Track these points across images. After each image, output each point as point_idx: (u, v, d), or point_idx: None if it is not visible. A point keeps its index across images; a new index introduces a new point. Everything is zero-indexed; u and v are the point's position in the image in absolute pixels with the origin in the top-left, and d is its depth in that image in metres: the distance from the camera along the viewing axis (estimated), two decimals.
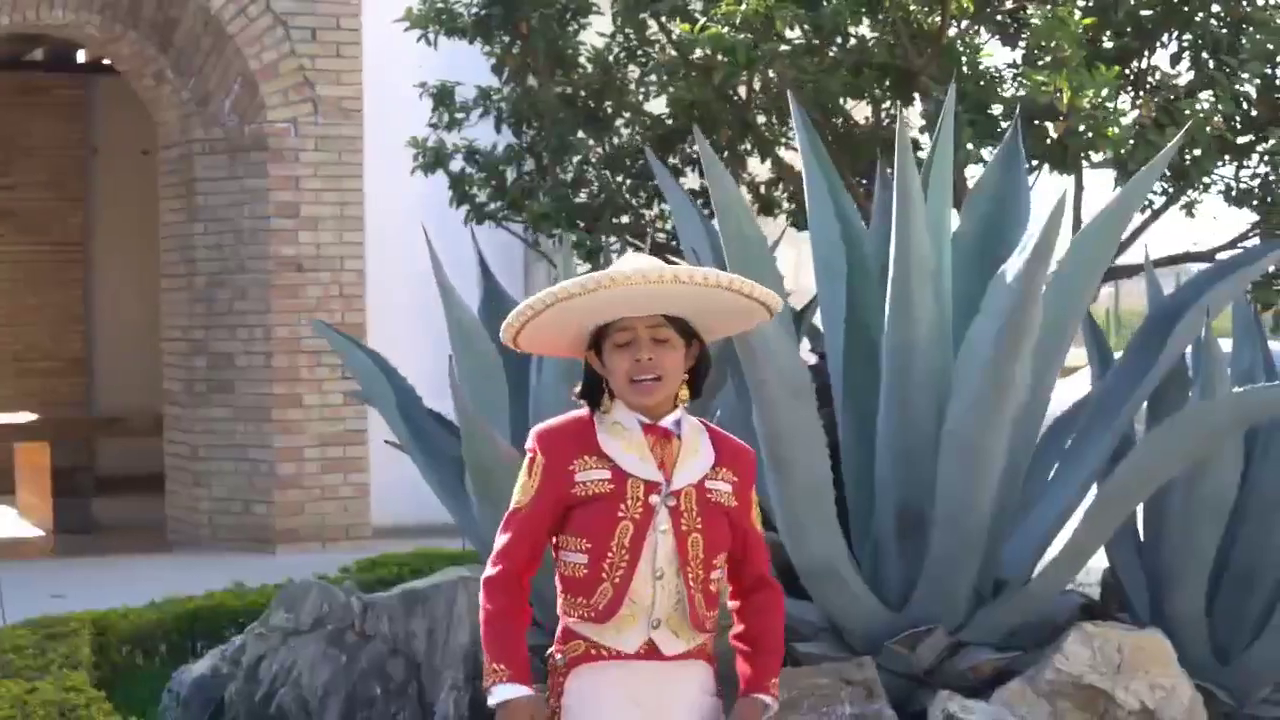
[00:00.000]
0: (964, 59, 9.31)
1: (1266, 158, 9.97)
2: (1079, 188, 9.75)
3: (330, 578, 9.30)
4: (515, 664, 4.18)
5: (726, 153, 10.29)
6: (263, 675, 7.02)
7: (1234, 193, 9.93)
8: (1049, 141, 8.62)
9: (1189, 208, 9.95)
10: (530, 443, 4.29)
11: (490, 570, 4.27)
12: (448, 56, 11.21)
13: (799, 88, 8.97)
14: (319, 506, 13.74)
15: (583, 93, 10.79)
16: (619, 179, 10.66)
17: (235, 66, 13.61)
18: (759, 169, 11.00)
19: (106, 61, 15.79)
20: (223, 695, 7.19)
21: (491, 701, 4.17)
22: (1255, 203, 9.89)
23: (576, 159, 10.81)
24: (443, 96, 10.87)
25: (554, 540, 4.27)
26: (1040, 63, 8.60)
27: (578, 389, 4.34)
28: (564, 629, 4.29)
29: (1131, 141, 8.43)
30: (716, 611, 4.33)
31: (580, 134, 10.71)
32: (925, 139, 10.02)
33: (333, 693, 6.85)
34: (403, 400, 7.57)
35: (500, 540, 4.28)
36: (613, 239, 10.39)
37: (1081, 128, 8.36)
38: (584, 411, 4.32)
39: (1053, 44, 8.49)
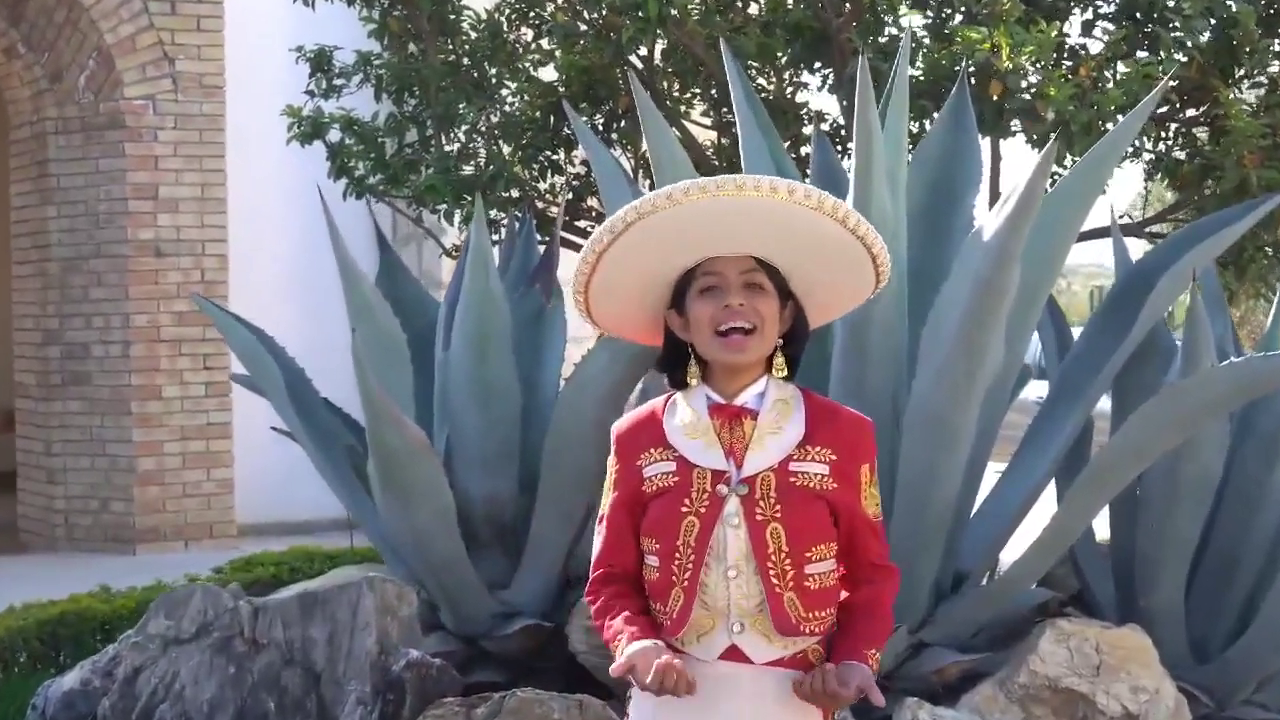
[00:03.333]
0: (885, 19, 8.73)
1: (1184, 131, 9.51)
2: (995, 157, 9.19)
3: (204, 580, 8.64)
4: (636, 626, 3.72)
5: (624, 123, 9.65)
6: (140, 688, 6.30)
7: (1163, 163, 9.41)
8: (983, 104, 8.00)
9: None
10: (612, 437, 3.87)
11: (592, 576, 3.89)
12: (319, 24, 10.68)
13: (710, 48, 8.35)
14: (181, 504, 13.33)
15: (468, 60, 10.12)
16: (509, 150, 9.98)
17: (90, 41, 13.13)
18: None
19: None
20: (95, 710, 6.43)
21: (616, 668, 3.65)
22: (1176, 178, 9.38)
23: (463, 129, 10.15)
24: (320, 62, 10.19)
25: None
26: (978, 18, 8.01)
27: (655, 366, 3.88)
28: None
29: (1071, 106, 7.84)
30: (829, 611, 3.76)
31: (466, 103, 10.01)
32: (836, 110, 9.52)
33: (220, 708, 6.14)
34: (292, 382, 6.86)
35: (595, 547, 3.89)
36: (501, 214, 9.73)
37: (1024, 86, 7.77)
38: (660, 400, 3.84)
39: None
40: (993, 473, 6.53)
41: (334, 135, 10.24)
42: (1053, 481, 6.55)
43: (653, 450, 3.75)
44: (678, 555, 3.69)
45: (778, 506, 3.68)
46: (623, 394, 6.28)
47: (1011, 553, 6.49)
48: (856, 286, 3.86)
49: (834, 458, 3.73)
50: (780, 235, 3.69)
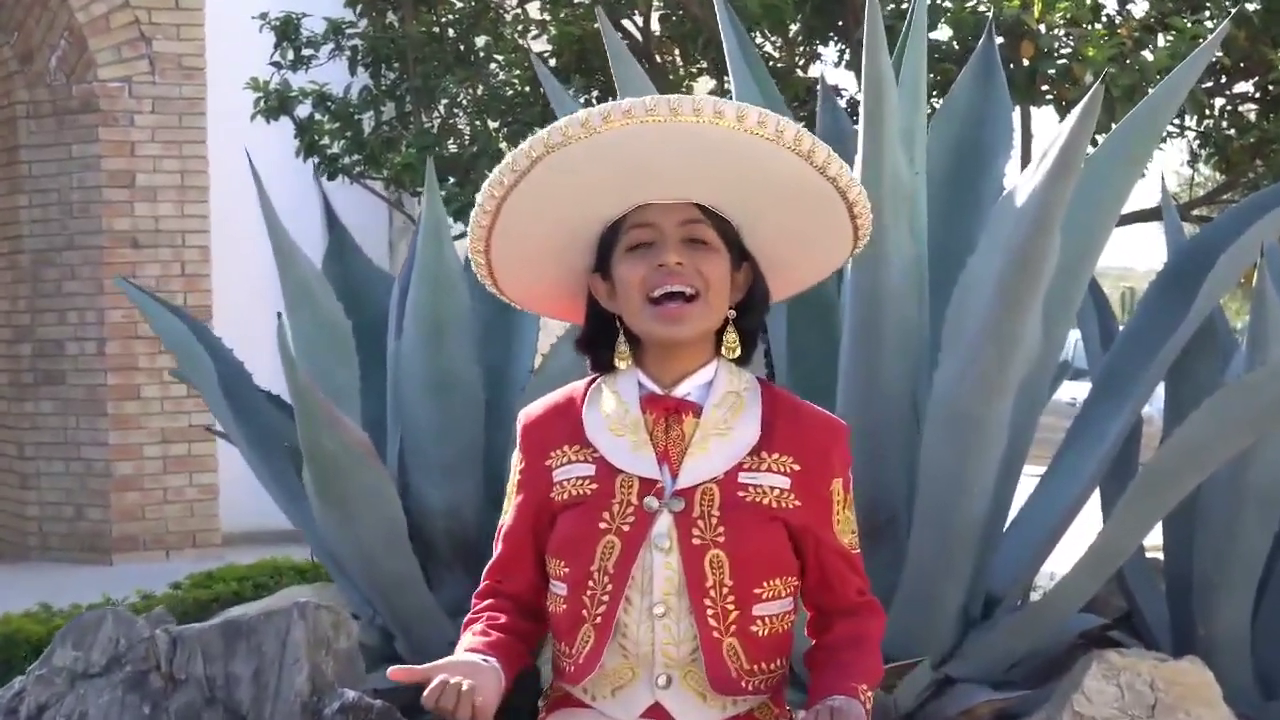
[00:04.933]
0: None
1: (1232, 108, 8.73)
2: (1025, 133, 8.38)
3: (140, 602, 7.88)
4: (483, 639, 3.04)
5: (619, 96, 8.86)
6: None
7: (1211, 139, 8.62)
8: (1012, 67, 7.18)
9: None
10: (517, 429, 3.18)
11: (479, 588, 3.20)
12: None
13: (705, 4, 7.58)
14: (161, 510, 12.70)
15: (451, 30, 9.37)
16: (494, 126, 9.22)
17: (61, 20, 12.51)
18: None
19: None
20: None
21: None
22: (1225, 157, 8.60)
23: (444, 104, 9.37)
24: (286, 30, 9.43)
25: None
26: None
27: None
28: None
29: (1113, 67, 7.01)
30: (779, 662, 3.03)
31: (448, 75, 9.24)
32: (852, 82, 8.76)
33: None
34: (226, 376, 6.04)
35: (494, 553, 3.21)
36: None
37: (1056, 48, 6.94)
38: (581, 385, 3.15)
39: None
40: (1030, 478, 5.74)
41: (304, 110, 9.52)
42: (1097, 489, 5.72)
43: (567, 448, 3.06)
44: (591, 584, 2.98)
45: (721, 528, 2.96)
46: None
47: (1052, 566, 5.65)
48: (829, 245, 3.10)
49: (796, 468, 3.00)
50: (731, 175, 2.95)
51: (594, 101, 9.03)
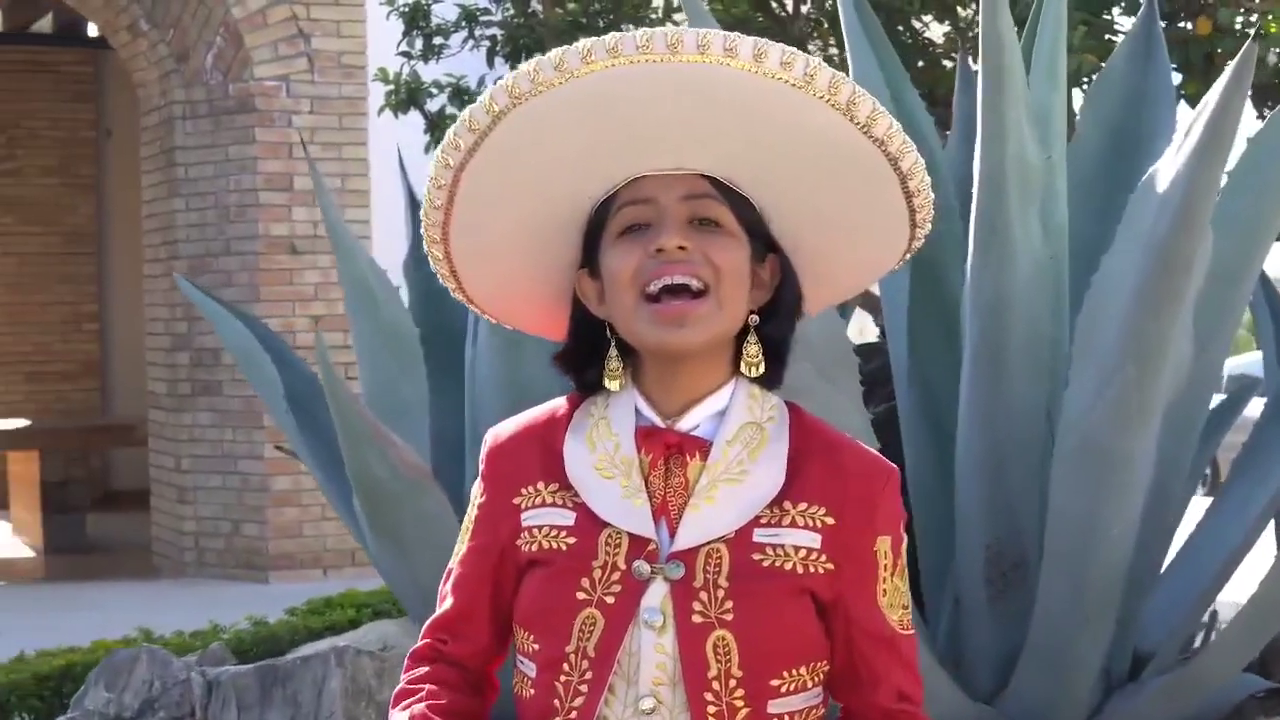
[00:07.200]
0: None
1: None
2: None
3: (248, 630, 7.37)
4: None
5: None
6: None
7: None
8: (1187, 46, 6.38)
9: None
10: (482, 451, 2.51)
11: (419, 642, 2.56)
12: None
13: None
14: (319, 527, 12.13)
15: (599, 20, 8.76)
16: None
17: (217, 15, 12.07)
18: None
19: None
20: None
21: None
22: None
23: None
24: (414, 17, 8.88)
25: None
26: None
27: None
28: None
29: None
30: None
31: None
32: None
33: None
34: (293, 386, 5.44)
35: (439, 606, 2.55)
36: None
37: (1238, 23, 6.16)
38: (563, 403, 2.47)
39: None
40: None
41: (436, 104, 8.98)
42: (1271, 524, 4.97)
43: (541, 486, 2.39)
44: (566, 668, 2.32)
45: (729, 603, 2.28)
46: None
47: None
48: (879, 235, 2.40)
49: (830, 521, 2.31)
50: (748, 136, 2.25)
51: None
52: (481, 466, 2.46)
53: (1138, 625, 4.69)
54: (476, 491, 2.46)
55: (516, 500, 2.39)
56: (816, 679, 2.34)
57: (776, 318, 2.37)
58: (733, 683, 2.26)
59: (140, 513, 13.62)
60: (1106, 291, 4.14)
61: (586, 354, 2.39)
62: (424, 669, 2.47)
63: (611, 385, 2.36)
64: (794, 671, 2.30)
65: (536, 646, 2.35)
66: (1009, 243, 4.28)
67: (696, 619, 2.26)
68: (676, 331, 2.27)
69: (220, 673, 4.89)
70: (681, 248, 2.27)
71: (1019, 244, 4.32)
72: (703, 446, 2.33)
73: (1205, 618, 4.89)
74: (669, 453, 2.33)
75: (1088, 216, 4.75)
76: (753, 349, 2.34)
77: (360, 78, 12.15)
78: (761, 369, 2.35)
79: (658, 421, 2.35)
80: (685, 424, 2.34)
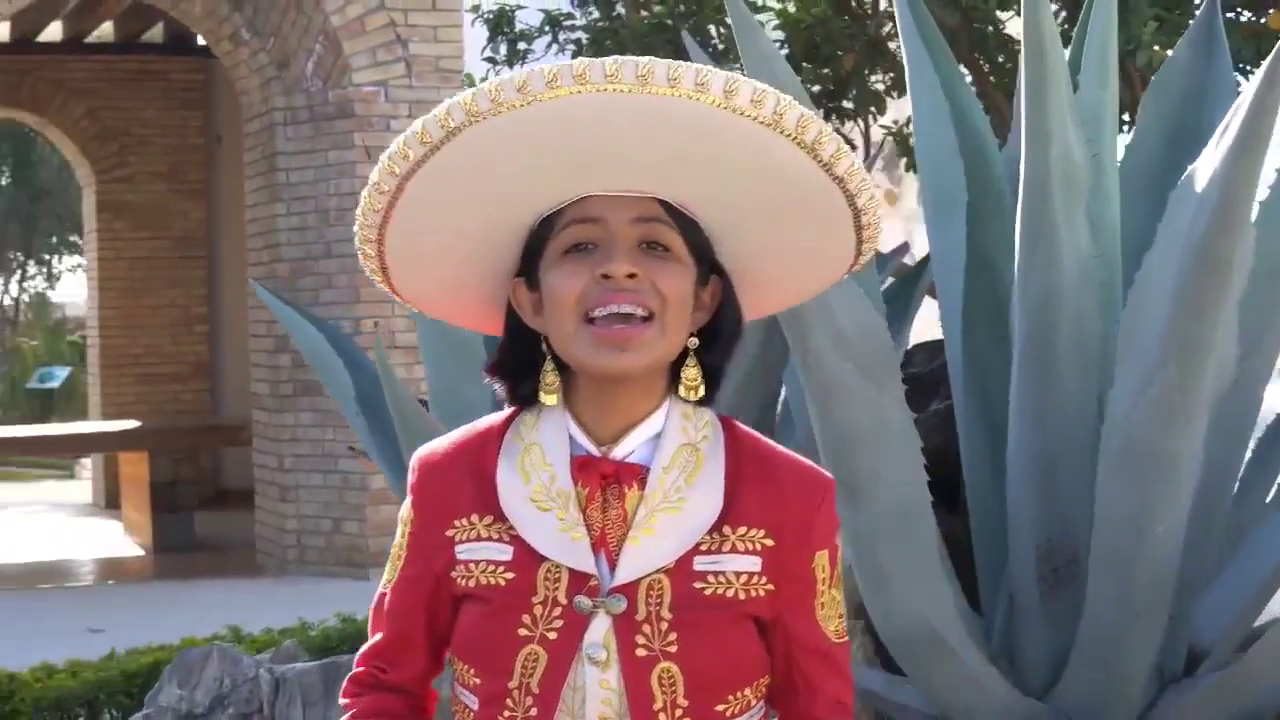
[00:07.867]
0: None
1: None
2: None
3: (336, 627, 7.48)
4: None
5: (854, 91, 8.13)
6: None
7: None
8: (1258, 39, 6.31)
9: None
10: (410, 474, 2.46)
11: (353, 670, 2.54)
12: None
13: None
14: None
15: (683, 22, 8.77)
16: None
17: (316, 23, 12.28)
18: (903, 109, 8.82)
19: None
20: None
21: None
22: None
23: None
24: (500, 23, 8.95)
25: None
26: None
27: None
28: None
29: None
30: None
31: None
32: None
33: None
34: (363, 387, 5.51)
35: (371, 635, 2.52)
36: None
37: None
38: (499, 419, 2.43)
39: None
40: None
41: None
42: None
43: (475, 519, 2.36)
44: (510, 704, 2.32)
45: (672, 635, 2.29)
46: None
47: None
48: (824, 262, 2.42)
49: (770, 543, 2.31)
50: (710, 168, 2.26)
51: (820, 99, 8.33)
52: (410, 491, 2.44)
53: (1192, 623, 4.66)
54: (405, 516, 2.45)
55: (450, 532, 2.37)
56: (759, 694, 2.37)
57: (717, 343, 2.36)
58: (679, 712, 2.27)
59: (247, 511, 13.77)
60: (1148, 291, 4.12)
61: (523, 365, 2.38)
62: (367, 697, 2.48)
63: (548, 400, 2.35)
64: (739, 694, 2.32)
65: (478, 681, 2.34)
66: (1055, 243, 4.28)
67: (640, 652, 2.27)
68: (618, 355, 2.27)
69: (286, 670, 4.99)
70: (631, 275, 2.26)
71: (1065, 244, 4.31)
72: (639, 475, 2.32)
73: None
74: (606, 484, 2.32)
75: (1146, 214, 4.73)
76: (691, 372, 2.33)
77: (457, 82, 12.28)
78: (700, 393, 2.34)
79: (592, 449, 2.34)
80: (620, 451, 2.33)
